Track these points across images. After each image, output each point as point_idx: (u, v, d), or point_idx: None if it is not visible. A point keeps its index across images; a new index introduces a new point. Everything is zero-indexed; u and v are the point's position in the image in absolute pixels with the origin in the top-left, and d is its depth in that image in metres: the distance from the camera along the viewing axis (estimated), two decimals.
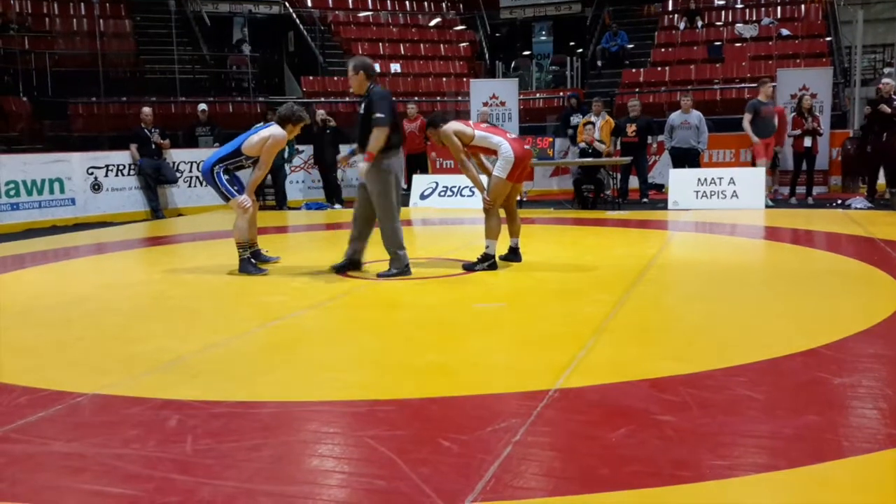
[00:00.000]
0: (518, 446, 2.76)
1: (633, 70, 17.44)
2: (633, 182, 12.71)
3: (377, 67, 17.79)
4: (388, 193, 6.13)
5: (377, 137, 5.90)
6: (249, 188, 6.63)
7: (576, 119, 13.42)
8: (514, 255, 6.78)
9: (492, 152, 6.43)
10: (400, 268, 6.19)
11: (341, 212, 12.50)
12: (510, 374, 3.66)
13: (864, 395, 3.29)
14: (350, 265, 6.41)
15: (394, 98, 6.20)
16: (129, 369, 3.84)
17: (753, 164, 11.85)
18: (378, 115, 5.88)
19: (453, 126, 6.41)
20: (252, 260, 6.60)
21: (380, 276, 6.19)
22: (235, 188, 6.50)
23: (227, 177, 6.47)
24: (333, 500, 2.45)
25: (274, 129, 6.51)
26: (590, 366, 3.73)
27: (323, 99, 16.32)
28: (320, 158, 13.21)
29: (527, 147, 6.62)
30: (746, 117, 11.68)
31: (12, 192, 10.87)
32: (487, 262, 6.44)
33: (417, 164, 13.25)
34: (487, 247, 6.45)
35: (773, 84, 11.94)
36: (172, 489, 2.50)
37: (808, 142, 11.64)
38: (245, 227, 6.50)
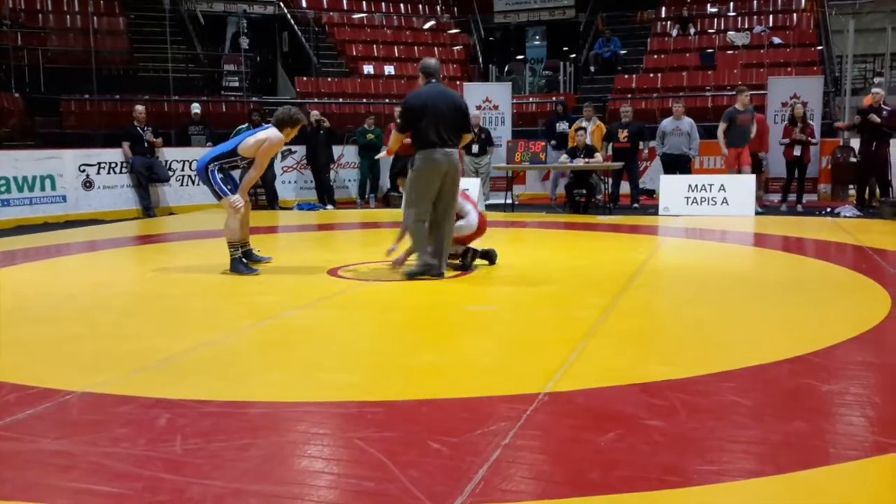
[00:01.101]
0: (507, 449, 2.77)
1: (626, 76, 17.51)
2: (625, 187, 12.76)
3: (370, 69, 17.99)
4: (409, 191, 6.25)
5: (391, 139, 6.62)
6: (243, 188, 6.62)
7: (561, 126, 13.44)
8: (484, 256, 6.80)
9: (459, 217, 6.49)
10: (422, 267, 6.15)
11: (333, 212, 12.51)
12: (500, 376, 3.67)
13: (852, 402, 3.31)
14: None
15: (422, 97, 6.16)
16: (120, 367, 3.83)
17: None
18: (397, 119, 6.64)
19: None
20: (244, 259, 6.59)
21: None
22: (229, 187, 6.49)
23: (221, 175, 6.46)
24: (322, 502, 2.45)
25: (271, 132, 6.50)
26: (580, 370, 3.74)
27: (316, 100, 16.31)
28: (313, 159, 13.21)
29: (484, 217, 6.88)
30: (721, 126, 11.72)
31: (3, 189, 10.82)
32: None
33: (407, 166, 13.22)
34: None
35: (750, 93, 12.00)
36: (161, 488, 2.50)
37: (797, 151, 11.70)
38: (236, 226, 6.48)
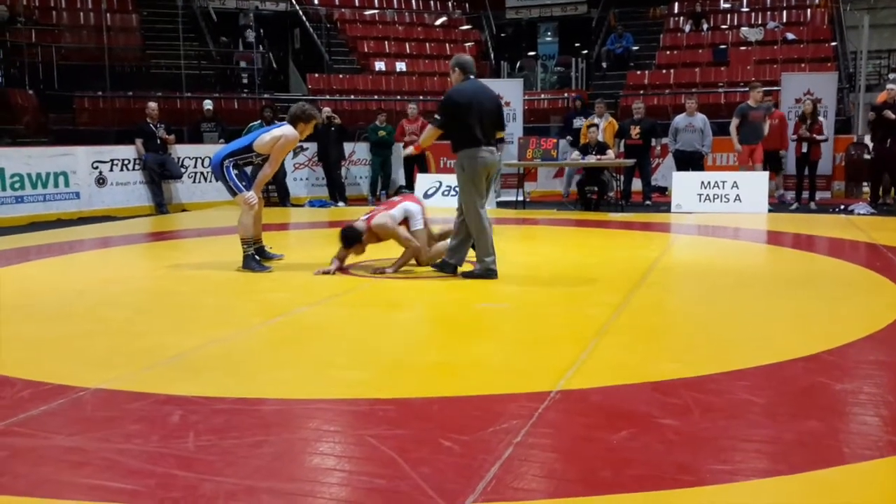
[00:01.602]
0: (519, 447, 2.77)
1: (638, 72, 17.43)
2: (637, 184, 12.71)
3: (381, 66, 17.98)
4: (462, 192, 6.05)
5: (426, 135, 6.33)
6: (257, 185, 6.63)
7: (578, 122, 13.41)
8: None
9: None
10: (481, 271, 6.06)
11: (345, 209, 12.51)
12: (512, 374, 3.66)
13: (866, 401, 3.29)
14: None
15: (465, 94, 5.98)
16: (132, 364, 3.85)
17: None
18: (436, 115, 6.25)
19: (392, 216, 6.37)
20: (256, 256, 6.60)
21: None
22: (243, 184, 6.51)
23: (235, 171, 6.47)
24: (334, 499, 2.45)
25: (286, 129, 6.52)
26: (592, 368, 3.74)
27: (328, 96, 16.32)
28: (324, 156, 13.22)
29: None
30: (733, 122, 11.66)
31: (17, 185, 10.88)
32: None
33: (415, 162, 13.24)
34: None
35: (763, 89, 11.94)
36: (174, 485, 2.51)
37: (804, 147, 11.62)
38: (249, 223, 6.50)
